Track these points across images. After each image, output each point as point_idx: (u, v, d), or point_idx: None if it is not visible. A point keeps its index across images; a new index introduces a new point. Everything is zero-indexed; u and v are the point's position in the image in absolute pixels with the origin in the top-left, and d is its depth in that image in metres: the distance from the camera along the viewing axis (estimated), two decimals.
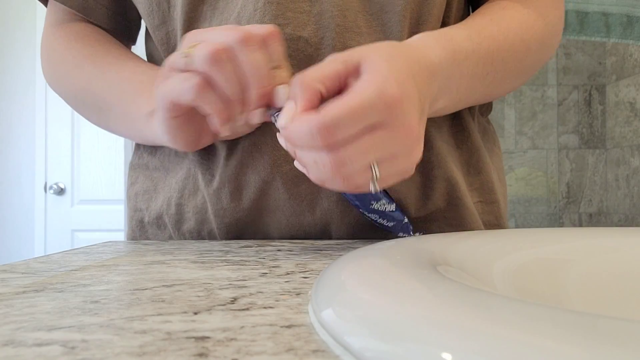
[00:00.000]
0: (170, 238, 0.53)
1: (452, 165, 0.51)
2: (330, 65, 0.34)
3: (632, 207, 1.66)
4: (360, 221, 0.48)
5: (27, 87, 2.51)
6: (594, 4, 1.13)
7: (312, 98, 0.33)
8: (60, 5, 0.56)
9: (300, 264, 0.34)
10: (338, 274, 0.23)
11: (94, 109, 0.53)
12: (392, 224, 0.45)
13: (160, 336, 0.18)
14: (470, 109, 0.55)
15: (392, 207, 0.44)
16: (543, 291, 0.28)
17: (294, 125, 0.32)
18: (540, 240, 0.33)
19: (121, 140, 2.24)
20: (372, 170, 0.34)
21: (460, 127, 0.53)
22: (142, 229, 0.55)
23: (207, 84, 0.35)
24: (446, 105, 0.45)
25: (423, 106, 0.37)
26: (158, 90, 0.38)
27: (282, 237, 0.50)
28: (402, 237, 0.43)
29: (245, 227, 0.50)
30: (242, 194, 0.48)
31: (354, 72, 0.34)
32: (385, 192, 0.44)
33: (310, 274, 0.30)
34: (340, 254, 0.38)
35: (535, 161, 1.83)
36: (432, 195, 0.50)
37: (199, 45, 0.35)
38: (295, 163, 0.37)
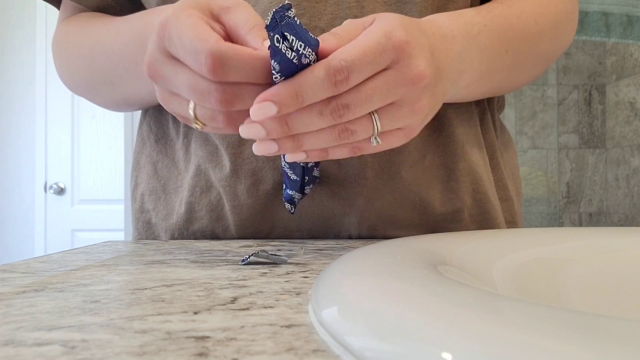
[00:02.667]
0: (182, 238, 0.52)
1: (476, 159, 0.51)
2: (348, 25, 0.34)
3: (632, 206, 1.66)
4: (382, 215, 0.48)
5: (27, 87, 2.51)
6: (594, 3, 1.13)
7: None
8: (71, 3, 0.55)
9: (300, 263, 0.34)
10: (338, 273, 0.23)
11: (102, 76, 0.51)
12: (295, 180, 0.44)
13: (161, 336, 0.18)
14: (489, 103, 0.55)
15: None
16: (543, 291, 0.28)
17: (304, 77, 0.30)
18: (540, 240, 0.33)
19: (121, 140, 2.23)
20: (373, 122, 0.33)
21: (480, 122, 0.53)
22: (149, 230, 0.55)
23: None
24: (471, 80, 0.44)
25: (438, 63, 0.35)
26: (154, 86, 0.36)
27: (300, 231, 0.49)
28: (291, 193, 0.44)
29: (263, 221, 0.49)
30: (259, 188, 0.48)
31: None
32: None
33: (310, 273, 0.30)
34: (340, 253, 0.38)
35: (535, 161, 1.83)
36: (457, 189, 0.49)
37: (197, 112, 0.34)
38: (288, 157, 0.35)
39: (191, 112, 0.34)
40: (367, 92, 0.31)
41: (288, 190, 0.44)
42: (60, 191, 2.47)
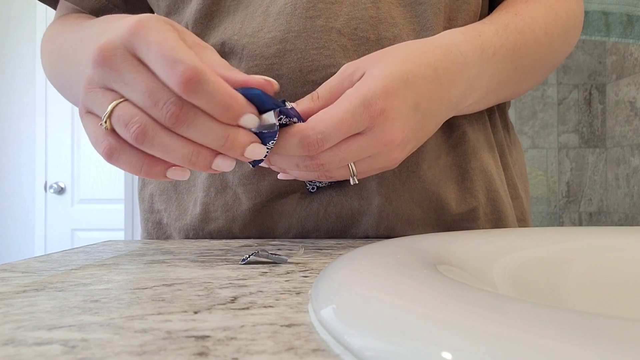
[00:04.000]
0: (197, 237, 0.52)
1: (487, 159, 0.51)
2: (335, 78, 0.38)
3: (632, 206, 1.66)
4: (400, 215, 0.48)
5: (27, 86, 2.51)
6: (594, 3, 1.13)
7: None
8: (66, 3, 0.55)
9: (300, 263, 0.34)
10: (338, 273, 0.23)
11: (65, 81, 0.51)
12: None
13: (161, 335, 0.18)
14: (498, 104, 0.55)
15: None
16: (543, 290, 0.28)
17: (281, 139, 0.34)
18: (541, 240, 0.33)
19: None
20: (350, 169, 0.37)
21: (489, 121, 0.54)
22: (160, 230, 0.54)
23: (124, 146, 0.33)
24: (477, 100, 0.45)
25: (425, 111, 0.38)
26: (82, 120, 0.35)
27: (318, 231, 0.49)
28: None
29: (280, 220, 0.49)
30: (280, 185, 0.48)
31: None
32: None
33: (310, 273, 0.30)
34: (340, 253, 0.38)
35: (535, 160, 1.82)
36: (472, 188, 0.50)
37: (118, 109, 0.31)
38: (280, 175, 0.40)
39: (110, 107, 0.32)
40: (340, 155, 0.35)
41: None
42: (60, 191, 2.47)
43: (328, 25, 0.45)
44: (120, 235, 2.26)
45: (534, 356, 0.12)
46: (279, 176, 0.40)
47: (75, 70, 0.47)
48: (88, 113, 0.34)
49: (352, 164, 0.37)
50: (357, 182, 0.38)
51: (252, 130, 0.33)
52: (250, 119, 0.32)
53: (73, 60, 0.47)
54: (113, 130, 0.32)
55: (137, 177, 1.67)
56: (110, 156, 0.33)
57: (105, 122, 0.32)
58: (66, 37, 0.50)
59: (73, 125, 2.46)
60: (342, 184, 0.48)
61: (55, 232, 2.49)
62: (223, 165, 0.33)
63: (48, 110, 2.47)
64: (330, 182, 0.46)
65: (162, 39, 0.30)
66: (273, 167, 0.38)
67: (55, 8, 0.58)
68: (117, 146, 0.32)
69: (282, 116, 0.34)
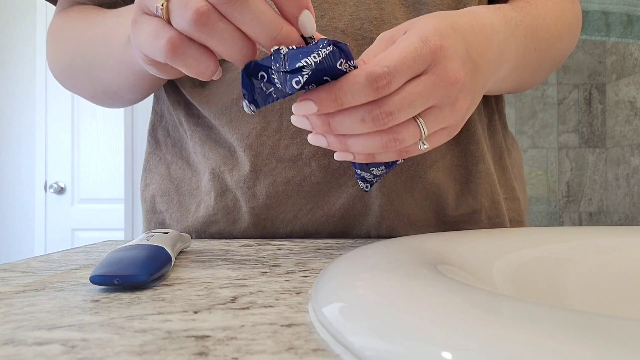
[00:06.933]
0: (200, 238, 0.52)
1: (490, 161, 0.51)
2: (378, 41, 0.35)
3: (632, 206, 1.66)
4: (401, 215, 0.48)
5: (27, 86, 2.51)
6: (594, 3, 1.13)
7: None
8: None
9: (300, 263, 0.34)
10: (338, 273, 0.23)
11: (83, 66, 0.50)
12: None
13: (161, 335, 0.18)
14: (496, 104, 0.55)
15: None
16: (543, 290, 0.28)
17: (345, 81, 0.31)
18: (540, 239, 0.33)
19: (121, 139, 2.24)
20: (419, 127, 0.33)
21: (488, 123, 0.54)
22: None
23: (185, 40, 0.30)
24: (507, 74, 0.44)
25: (475, 61, 0.36)
26: (132, 34, 0.34)
27: (319, 233, 0.49)
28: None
29: (281, 223, 0.49)
30: (278, 188, 0.48)
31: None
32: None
33: (310, 273, 0.30)
34: (340, 253, 0.38)
35: (535, 160, 1.82)
36: (475, 191, 0.50)
37: None
38: (336, 155, 0.35)
39: None
40: (409, 97, 0.32)
41: (357, 169, 0.40)
42: (60, 190, 2.47)
43: (332, 25, 0.45)
44: (120, 235, 2.26)
45: (534, 356, 0.12)
46: (336, 156, 0.35)
47: (115, 42, 0.45)
48: (143, 14, 0.32)
49: (422, 120, 0.33)
50: (428, 147, 0.34)
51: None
52: (309, 18, 0.30)
53: (111, 37, 0.45)
54: (170, 23, 0.30)
55: (137, 177, 1.67)
56: (173, 51, 0.30)
57: (163, 4, 0.30)
58: (92, 22, 0.48)
59: (73, 125, 2.46)
60: (345, 188, 0.47)
61: (55, 232, 2.49)
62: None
63: (48, 111, 2.47)
64: (386, 169, 0.39)
65: None
66: (333, 142, 0.34)
67: (54, 4, 0.58)
68: (179, 39, 0.30)
69: (342, 60, 0.31)
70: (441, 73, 0.33)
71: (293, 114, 0.33)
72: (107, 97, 0.53)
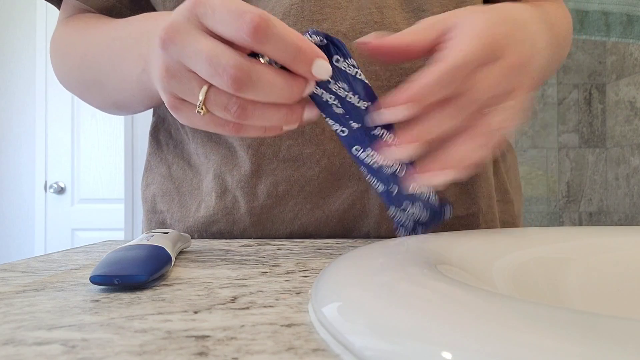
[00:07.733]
0: (201, 238, 0.52)
1: (489, 165, 0.52)
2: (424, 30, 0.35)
3: (632, 206, 1.66)
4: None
5: (27, 86, 2.51)
6: (594, 3, 1.13)
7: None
8: (72, 2, 0.55)
9: (300, 263, 0.34)
10: (338, 272, 0.23)
11: (94, 82, 0.50)
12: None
13: (161, 335, 0.18)
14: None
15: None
16: (543, 290, 0.28)
17: (423, 80, 0.31)
18: (540, 240, 0.33)
19: (121, 139, 2.24)
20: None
21: None
22: None
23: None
24: (540, 70, 0.43)
25: (532, 43, 0.36)
26: (158, 85, 0.34)
27: (319, 235, 0.49)
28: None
29: (281, 224, 0.49)
30: (279, 188, 0.48)
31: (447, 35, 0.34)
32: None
33: (310, 273, 0.30)
34: (340, 253, 0.38)
35: (535, 160, 1.82)
36: (474, 193, 0.50)
37: (211, 92, 0.31)
38: (414, 183, 0.33)
39: (202, 95, 0.31)
40: (486, 79, 0.32)
41: (388, 203, 0.36)
42: (60, 190, 2.47)
43: (334, 28, 0.45)
44: (120, 235, 2.26)
45: (534, 356, 0.12)
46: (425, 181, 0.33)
47: (131, 62, 0.44)
48: (177, 99, 0.33)
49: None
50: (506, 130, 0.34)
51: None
52: (323, 66, 0.31)
53: (124, 53, 0.45)
54: (210, 112, 0.32)
55: (137, 177, 1.67)
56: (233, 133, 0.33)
57: (201, 108, 0.31)
58: (99, 35, 0.48)
59: (73, 125, 2.46)
60: (343, 190, 0.47)
61: (55, 232, 2.49)
62: (311, 114, 0.33)
63: (48, 110, 2.47)
64: (429, 216, 0.37)
65: (226, 1, 0.30)
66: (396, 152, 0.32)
67: (59, 7, 0.57)
68: (233, 129, 0.33)
69: (337, 56, 0.31)
70: (510, 55, 0.33)
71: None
72: (117, 109, 0.54)
